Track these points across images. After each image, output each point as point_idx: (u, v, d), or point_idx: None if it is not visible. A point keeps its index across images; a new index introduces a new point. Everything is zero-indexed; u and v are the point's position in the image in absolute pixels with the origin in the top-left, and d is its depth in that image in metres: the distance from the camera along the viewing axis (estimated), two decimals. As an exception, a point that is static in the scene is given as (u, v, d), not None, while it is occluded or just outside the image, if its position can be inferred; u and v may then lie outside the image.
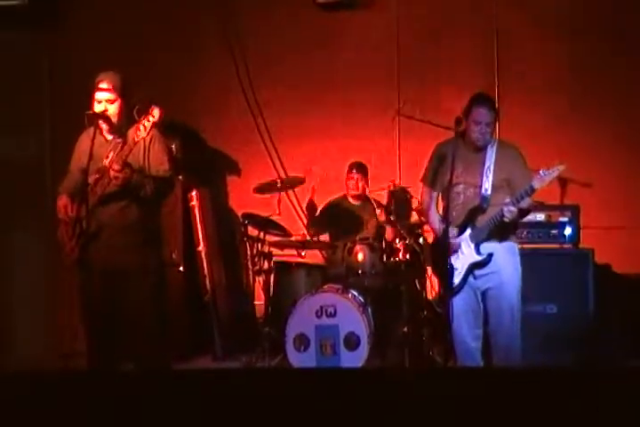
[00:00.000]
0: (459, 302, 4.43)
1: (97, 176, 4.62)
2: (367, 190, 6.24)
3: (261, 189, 6.06)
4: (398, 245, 5.83)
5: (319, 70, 6.75)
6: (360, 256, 5.81)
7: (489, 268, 4.47)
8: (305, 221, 6.48)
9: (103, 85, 4.68)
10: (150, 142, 4.67)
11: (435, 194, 4.70)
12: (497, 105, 4.58)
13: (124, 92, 4.71)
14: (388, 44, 6.65)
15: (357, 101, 6.70)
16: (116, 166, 4.48)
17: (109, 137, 4.74)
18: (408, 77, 6.64)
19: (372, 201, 6.19)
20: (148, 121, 4.50)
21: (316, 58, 6.75)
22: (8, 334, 6.20)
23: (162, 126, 4.68)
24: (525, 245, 5.19)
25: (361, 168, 6.24)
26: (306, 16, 6.69)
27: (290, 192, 6.36)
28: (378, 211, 6.05)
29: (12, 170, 6.40)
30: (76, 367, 5.30)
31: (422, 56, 6.64)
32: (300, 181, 6.17)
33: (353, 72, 6.71)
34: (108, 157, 4.60)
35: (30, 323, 6.29)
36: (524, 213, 4.46)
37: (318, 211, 6.31)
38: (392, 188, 6.04)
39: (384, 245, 5.91)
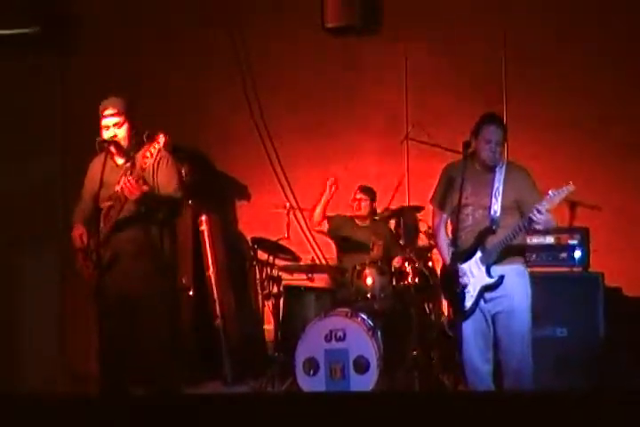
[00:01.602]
0: (469, 326, 4.42)
1: (110, 203, 4.68)
2: (374, 213, 6.26)
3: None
4: (407, 269, 5.82)
5: (328, 95, 6.77)
6: (369, 280, 5.79)
7: (499, 291, 4.45)
8: (314, 245, 6.52)
9: (108, 111, 4.76)
10: (159, 163, 4.73)
11: (444, 216, 4.69)
12: (505, 125, 4.57)
13: (129, 115, 4.79)
14: (396, 67, 6.65)
15: (366, 125, 6.72)
16: (135, 189, 4.50)
17: (120, 161, 4.81)
18: (416, 100, 6.64)
19: (383, 222, 6.20)
20: (154, 148, 4.57)
21: (325, 82, 6.77)
22: (21, 357, 6.21)
23: (171, 148, 4.74)
24: (535, 269, 5.16)
25: (367, 191, 6.25)
26: (315, 41, 6.74)
27: (298, 215, 6.37)
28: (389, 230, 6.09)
29: (24, 195, 6.46)
30: (87, 391, 5.32)
31: (431, 79, 6.65)
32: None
33: (362, 96, 6.72)
34: (119, 182, 4.64)
35: (42, 346, 6.30)
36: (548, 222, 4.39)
37: (328, 226, 6.27)
38: (400, 211, 6.07)
39: (393, 269, 5.90)
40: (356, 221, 6.30)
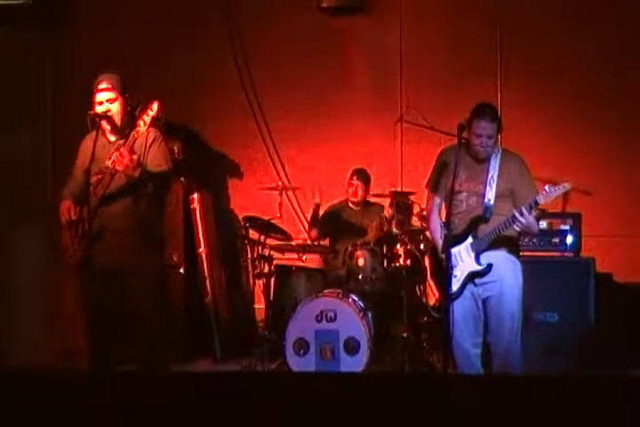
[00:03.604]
0: (459, 309, 4.41)
1: (99, 177, 4.64)
2: (368, 196, 6.27)
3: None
4: (399, 251, 5.83)
5: (322, 75, 6.77)
6: (361, 261, 5.81)
7: (489, 276, 4.45)
8: (306, 225, 6.51)
9: (102, 86, 4.71)
10: (151, 143, 4.70)
11: (438, 200, 4.69)
12: (500, 114, 4.54)
13: (124, 91, 4.74)
14: (391, 48, 6.66)
15: (360, 106, 6.74)
16: (127, 160, 4.47)
17: (112, 138, 4.76)
18: (411, 82, 6.64)
19: (377, 205, 6.21)
20: (147, 115, 4.53)
21: (318, 62, 6.77)
22: (9, 332, 6.19)
23: (164, 128, 4.73)
24: (526, 253, 5.18)
25: (362, 175, 6.26)
26: (309, 21, 6.71)
27: (291, 195, 6.38)
28: (382, 213, 6.10)
29: (13, 169, 6.40)
30: (77, 367, 5.31)
31: (425, 61, 6.65)
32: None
33: (355, 77, 6.74)
34: (110, 157, 4.61)
35: (31, 322, 6.26)
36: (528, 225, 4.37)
37: (320, 215, 6.31)
38: (393, 193, 6.04)
39: (385, 251, 5.92)
40: (350, 204, 6.33)
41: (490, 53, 6.47)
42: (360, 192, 6.23)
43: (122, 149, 4.51)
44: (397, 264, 5.82)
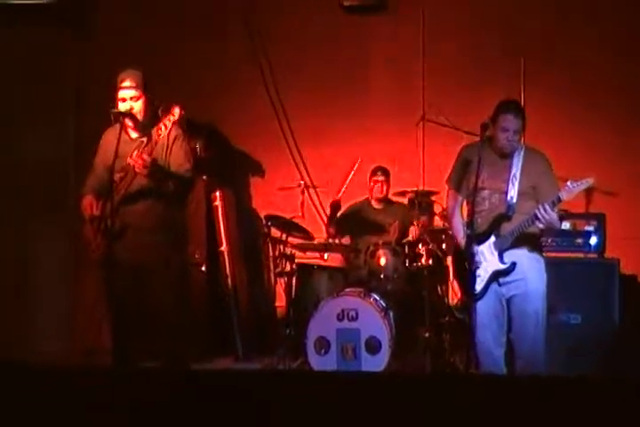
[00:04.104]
0: (483, 309, 4.40)
1: (121, 175, 4.67)
2: (389, 194, 6.28)
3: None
4: (421, 250, 5.82)
5: (344, 73, 6.75)
6: (382, 260, 5.82)
7: (514, 275, 4.43)
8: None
9: (126, 84, 4.72)
10: (173, 141, 4.73)
11: (459, 198, 4.67)
12: (524, 112, 4.50)
13: (146, 89, 4.76)
14: (413, 47, 6.63)
15: (382, 106, 6.71)
16: (140, 161, 4.51)
17: (134, 135, 4.79)
18: (432, 82, 6.60)
19: (398, 204, 6.22)
20: (169, 120, 4.56)
21: (341, 61, 6.75)
22: (31, 329, 6.21)
23: (186, 126, 4.75)
24: (550, 254, 5.13)
25: (385, 172, 6.26)
26: (331, 20, 6.69)
27: (313, 194, 6.34)
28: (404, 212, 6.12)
29: (36, 165, 6.41)
30: (99, 363, 5.36)
31: (448, 60, 6.62)
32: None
33: (378, 76, 6.71)
34: (132, 155, 4.63)
35: (53, 318, 6.31)
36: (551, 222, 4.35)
37: (341, 213, 6.28)
38: (415, 192, 6.02)
39: (407, 250, 5.91)
40: (372, 203, 6.33)
41: (511, 53, 6.42)
42: (384, 188, 6.24)
43: (142, 155, 4.53)
44: (419, 264, 5.82)
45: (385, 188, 6.24)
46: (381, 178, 6.22)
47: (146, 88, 4.76)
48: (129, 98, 4.71)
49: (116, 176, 4.64)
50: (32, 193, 6.38)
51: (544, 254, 4.61)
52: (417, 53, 6.60)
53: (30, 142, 6.39)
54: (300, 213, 6.00)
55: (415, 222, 5.92)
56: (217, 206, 6.49)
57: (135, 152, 4.61)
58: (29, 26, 6.27)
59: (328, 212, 6.27)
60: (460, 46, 6.58)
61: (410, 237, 5.95)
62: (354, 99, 6.72)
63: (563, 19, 6.46)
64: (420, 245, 5.85)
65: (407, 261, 5.90)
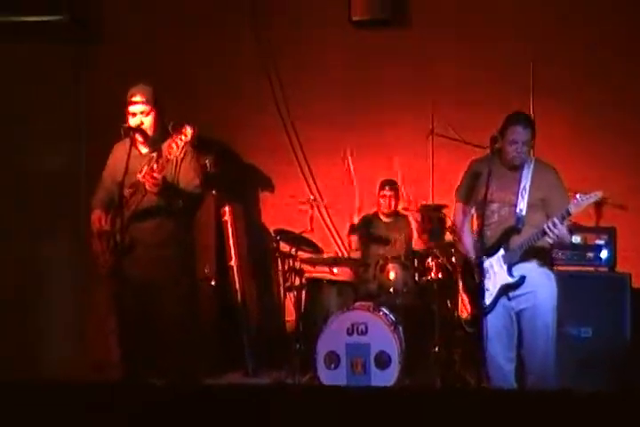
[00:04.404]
0: (492, 323, 4.38)
1: (131, 190, 4.67)
2: (400, 207, 6.28)
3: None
4: (431, 264, 5.80)
5: (353, 87, 6.73)
6: (392, 274, 5.83)
7: (523, 289, 4.42)
8: (337, 238, 6.54)
9: (136, 98, 4.73)
10: (183, 158, 4.72)
11: (468, 211, 4.67)
12: (534, 124, 4.50)
13: (157, 104, 4.77)
14: (422, 61, 6.62)
15: (391, 119, 6.67)
16: (151, 180, 4.51)
17: (144, 150, 4.79)
18: (442, 95, 6.58)
19: (406, 217, 6.21)
20: (181, 140, 4.53)
21: (350, 75, 6.73)
22: (39, 343, 6.22)
23: (196, 141, 4.70)
24: (560, 268, 5.13)
25: (392, 186, 6.25)
26: (340, 34, 6.69)
27: (322, 208, 6.38)
28: (413, 225, 6.12)
29: (46, 180, 6.43)
30: (108, 378, 5.34)
31: (457, 74, 6.58)
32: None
33: (387, 90, 6.68)
34: (142, 171, 4.63)
35: (62, 332, 6.32)
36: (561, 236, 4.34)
37: (352, 227, 6.31)
38: (425, 206, 6.06)
39: (416, 264, 5.91)
40: (381, 216, 6.32)
41: (521, 66, 6.40)
42: (393, 202, 6.23)
43: (153, 171, 4.53)
44: (429, 278, 5.79)
45: (393, 202, 6.23)
46: (389, 193, 6.21)
47: (156, 103, 4.77)
48: (139, 113, 4.72)
49: (126, 192, 4.63)
50: (41, 207, 6.40)
51: (554, 268, 4.60)
52: (426, 67, 6.60)
53: (41, 158, 6.42)
54: (310, 228, 6.00)
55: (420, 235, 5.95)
56: (226, 221, 6.45)
57: (145, 169, 4.61)
58: (42, 42, 6.32)
59: (349, 225, 6.27)
60: (469, 60, 6.56)
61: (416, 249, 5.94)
62: (364, 113, 6.71)
63: (575, 31, 6.44)
64: (429, 259, 5.83)
65: (417, 274, 5.89)
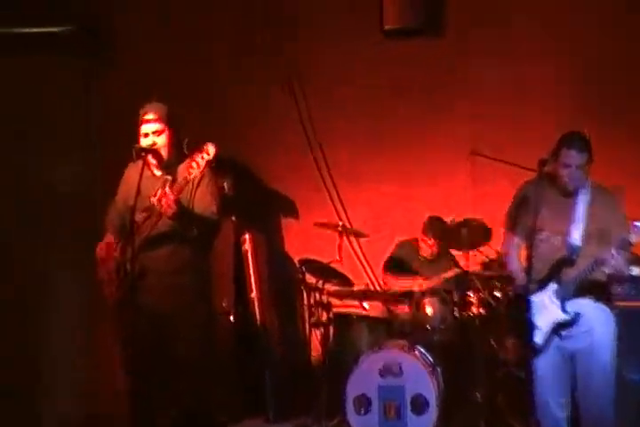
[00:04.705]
0: (543, 365, 4.31)
1: (144, 215, 4.68)
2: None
3: (322, 225, 6.17)
4: (472, 298, 5.77)
5: (384, 104, 6.69)
6: (429, 309, 5.79)
7: (578, 327, 4.35)
8: (367, 268, 6.50)
9: (149, 117, 4.75)
10: (199, 181, 4.72)
11: (516, 240, 4.61)
12: (590, 146, 4.43)
13: (171, 123, 4.78)
14: (459, 74, 6.58)
15: (427, 138, 6.63)
16: (165, 201, 4.49)
17: (158, 173, 4.80)
18: (482, 111, 6.53)
19: (449, 255, 6.21)
20: (202, 159, 4.52)
21: (381, 91, 6.69)
22: (47, 375, 6.21)
23: (213, 162, 4.67)
24: (619, 303, 4.97)
25: (437, 229, 6.11)
26: (369, 47, 6.66)
27: (351, 236, 6.37)
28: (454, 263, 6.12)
29: (59, 198, 6.43)
30: (116, 414, 5.32)
31: (498, 88, 6.54)
32: (363, 235, 6.24)
33: (421, 106, 6.64)
34: (156, 194, 4.62)
35: (70, 364, 6.31)
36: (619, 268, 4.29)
37: (387, 264, 6.29)
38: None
39: (456, 298, 5.84)
40: (421, 252, 6.28)
41: (572, 76, 6.37)
42: (434, 249, 6.19)
43: (168, 193, 4.52)
44: (470, 313, 5.77)
45: (435, 248, 6.18)
46: (431, 241, 6.16)
47: (171, 122, 4.77)
48: (151, 132, 4.73)
49: (138, 217, 4.64)
50: (50, 229, 6.36)
51: (612, 304, 4.53)
52: (463, 79, 6.56)
53: (51, 174, 6.42)
54: (338, 258, 5.97)
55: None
56: (246, 250, 6.45)
57: (160, 191, 4.60)
58: (49, 55, 6.36)
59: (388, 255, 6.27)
60: (511, 71, 6.50)
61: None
62: (397, 131, 6.66)
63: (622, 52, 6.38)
64: (470, 293, 5.80)
65: (456, 309, 5.83)
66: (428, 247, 6.18)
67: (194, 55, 6.72)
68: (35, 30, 6.24)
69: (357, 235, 6.41)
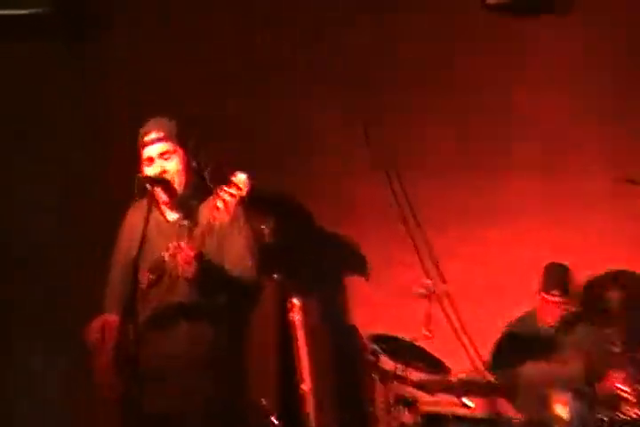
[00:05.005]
0: None
1: (152, 277, 4.52)
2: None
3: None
4: (625, 393, 5.37)
5: (485, 106, 6.43)
6: (560, 409, 5.46)
7: None
8: (469, 348, 6.32)
9: (151, 136, 4.58)
10: (229, 226, 4.54)
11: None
12: None
13: (184, 142, 4.62)
14: (589, 66, 6.41)
15: (552, 157, 6.38)
16: (182, 257, 4.31)
17: (172, 215, 4.64)
18: (623, 116, 6.31)
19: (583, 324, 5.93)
20: (231, 196, 4.27)
21: (486, 97, 6.42)
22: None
23: (247, 200, 4.44)
24: None
25: (562, 282, 6.00)
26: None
27: (446, 303, 6.16)
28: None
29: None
30: None
31: (620, 77, 6.34)
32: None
33: (536, 110, 6.40)
34: (168, 248, 4.44)
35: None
36: None
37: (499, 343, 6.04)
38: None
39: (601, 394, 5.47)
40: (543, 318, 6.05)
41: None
42: (560, 311, 5.97)
43: (186, 246, 4.31)
44: (622, 414, 5.32)
45: (560, 310, 5.98)
46: (557, 299, 5.94)
47: (183, 141, 4.61)
48: (157, 155, 4.53)
49: (143, 278, 4.48)
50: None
51: None
52: (593, 74, 6.38)
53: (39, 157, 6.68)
54: (427, 333, 5.72)
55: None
56: (294, 321, 6.25)
57: (174, 243, 4.40)
58: (24, 41, 6.64)
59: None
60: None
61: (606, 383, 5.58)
62: (502, 151, 6.44)
63: None
64: (621, 385, 5.39)
65: (601, 409, 5.40)
66: (551, 309, 5.98)
67: (194, 55, 6.61)
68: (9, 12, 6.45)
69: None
